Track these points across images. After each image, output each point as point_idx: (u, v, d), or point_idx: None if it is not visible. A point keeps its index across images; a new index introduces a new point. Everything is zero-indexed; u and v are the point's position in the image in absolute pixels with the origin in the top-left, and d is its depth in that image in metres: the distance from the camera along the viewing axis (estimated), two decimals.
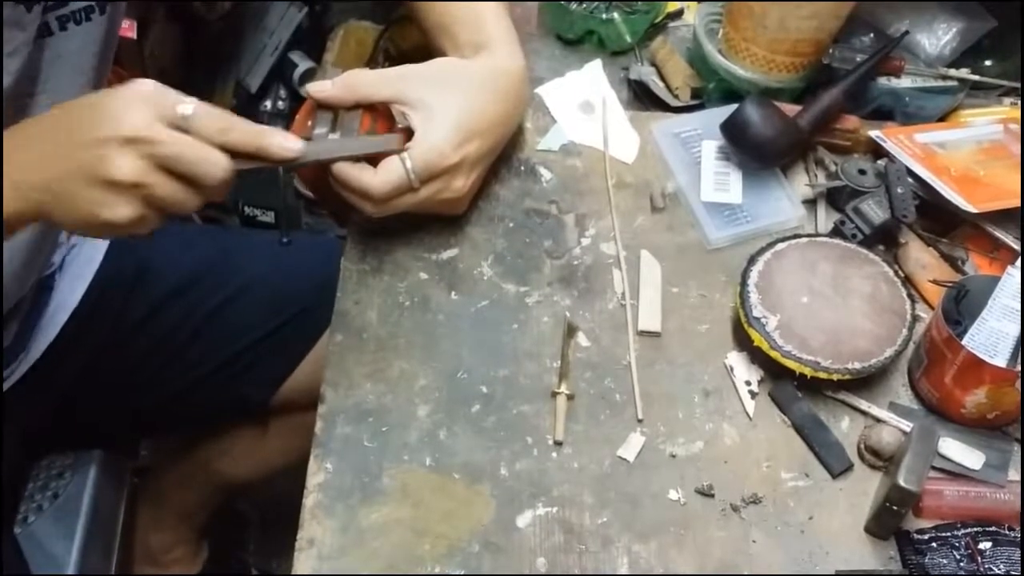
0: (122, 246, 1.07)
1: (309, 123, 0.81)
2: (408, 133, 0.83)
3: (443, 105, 0.82)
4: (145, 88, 0.67)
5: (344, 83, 0.82)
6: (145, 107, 0.65)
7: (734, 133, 0.93)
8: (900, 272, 0.88)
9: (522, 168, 0.97)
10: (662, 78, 1.07)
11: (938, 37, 1.07)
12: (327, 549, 0.72)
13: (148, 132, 0.65)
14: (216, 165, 0.67)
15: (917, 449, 0.72)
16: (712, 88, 1.04)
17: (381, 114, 0.83)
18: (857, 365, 0.79)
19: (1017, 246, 0.91)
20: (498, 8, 0.91)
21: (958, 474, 0.78)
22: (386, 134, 0.81)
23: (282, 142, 0.71)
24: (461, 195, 0.86)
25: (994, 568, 0.72)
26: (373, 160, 0.81)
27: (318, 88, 0.82)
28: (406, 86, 0.82)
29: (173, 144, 0.65)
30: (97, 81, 0.86)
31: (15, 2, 0.72)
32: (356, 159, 0.78)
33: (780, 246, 0.87)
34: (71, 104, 0.69)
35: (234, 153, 0.69)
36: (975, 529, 0.74)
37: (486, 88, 0.86)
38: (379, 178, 0.80)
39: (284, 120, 1.82)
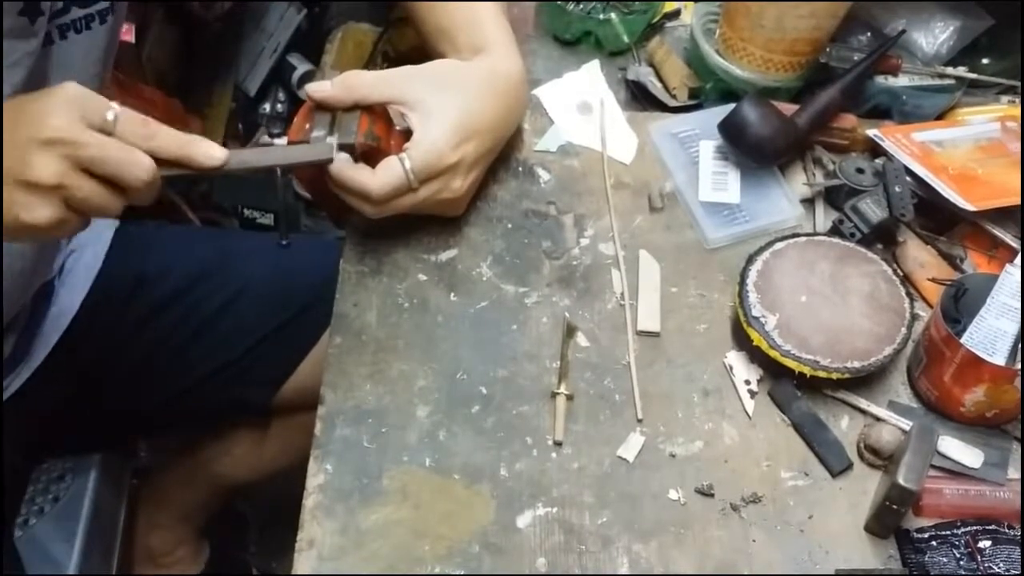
0: (121, 250, 1.07)
1: (307, 125, 0.81)
2: (407, 134, 0.83)
3: (441, 105, 0.82)
4: (70, 91, 0.66)
5: (343, 83, 0.82)
6: (69, 109, 0.65)
7: (732, 133, 0.93)
8: (899, 271, 0.88)
9: (520, 169, 0.97)
10: (660, 78, 1.07)
11: (935, 35, 1.07)
12: (327, 550, 0.72)
13: (70, 134, 0.64)
14: (140, 167, 0.66)
15: (917, 448, 0.72)
16: (710, 88, 1.04)
17: (379, 115, 0.83)
18: (856, 364, 0.79)
19: (1016, 244, 0.91)
20: (496, 10, 0.91)
21: (958, 472, 0.78)
22: (316, 142, 0.79)
23: (207, 150, 0.70)
24: (460, 195, 0.86)
25: (994, 567, 0.72)
26: (371, 161, 0.81)
27: (317, 88, 0.82)
28: (405, 87, 0.83)
29: (95, 145, 0.65)
30: (99, 87, 0.86)
31: (19, 14, 0.72)
32: (284, 169, 0.77)
33: (779, 245, 0.87)
34: (3, 107, 0.67)
35: (159, 160, 0.68)
36: (975, 527, 0.74)
37: (484, 89, 0.86)
38: (378, 179, 0.80)
39: (283, 122, 1.81)
